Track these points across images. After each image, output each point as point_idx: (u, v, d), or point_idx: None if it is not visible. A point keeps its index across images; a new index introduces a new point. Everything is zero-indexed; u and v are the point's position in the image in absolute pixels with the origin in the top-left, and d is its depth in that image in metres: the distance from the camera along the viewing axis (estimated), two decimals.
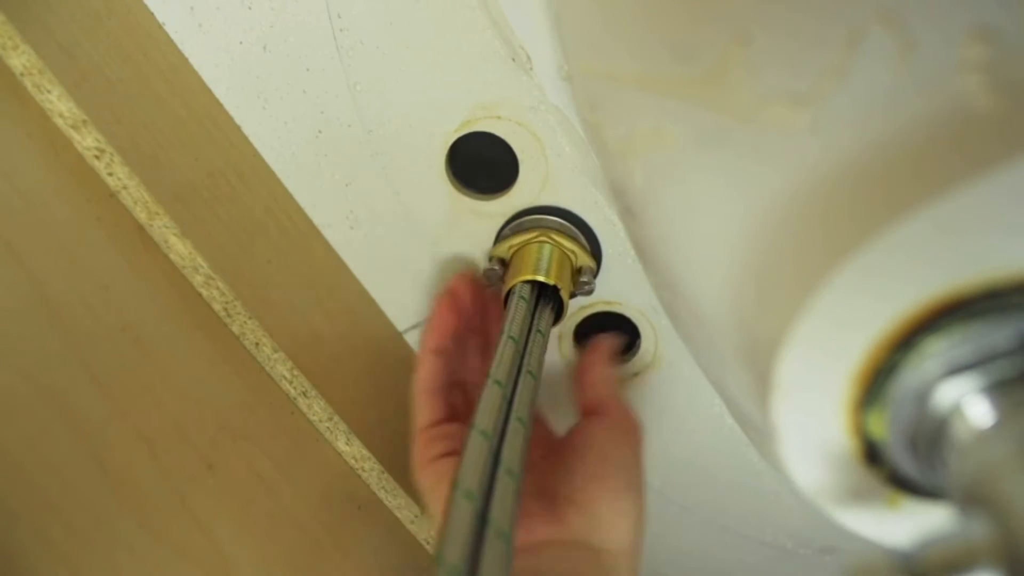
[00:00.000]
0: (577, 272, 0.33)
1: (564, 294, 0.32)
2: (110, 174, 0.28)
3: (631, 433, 0.30)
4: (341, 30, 0.30)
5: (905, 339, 0.15)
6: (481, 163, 0.34)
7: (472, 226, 0.35)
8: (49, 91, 0.27)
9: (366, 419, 0.34)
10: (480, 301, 0.34)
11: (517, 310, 0.30)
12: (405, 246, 0.36)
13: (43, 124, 0.27)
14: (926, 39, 0.14)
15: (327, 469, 0.33)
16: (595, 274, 0.34)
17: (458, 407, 0.32)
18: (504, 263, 0.34)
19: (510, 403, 0.26)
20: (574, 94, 0.29)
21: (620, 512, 0.27)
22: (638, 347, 0.36)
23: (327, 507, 0.32)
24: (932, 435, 0.16)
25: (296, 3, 0.30)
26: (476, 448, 0.23)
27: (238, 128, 0.33)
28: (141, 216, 0.29)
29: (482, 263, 0.36)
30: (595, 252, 0.34)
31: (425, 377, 0.31)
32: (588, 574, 0.26)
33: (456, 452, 0.29)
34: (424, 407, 0.31)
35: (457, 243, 0.36)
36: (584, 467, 0.28)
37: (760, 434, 0.19)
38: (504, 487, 0.22)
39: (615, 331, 0.36)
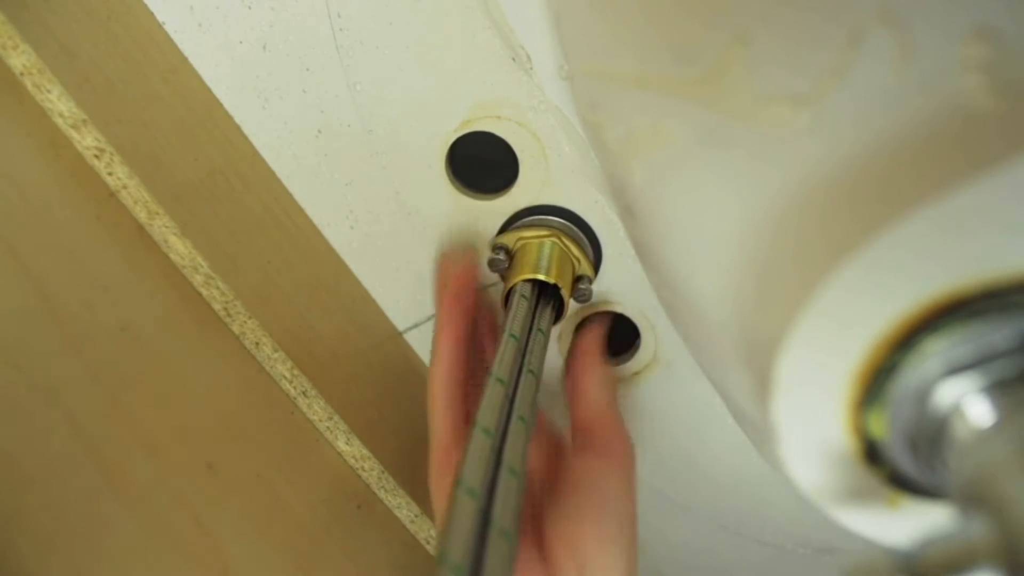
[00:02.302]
0: (577, 280, 0.33)
1: (564, 293, 0.32)
2: (110, 174, 0.28)
3: (622, 460, 0.29)
4: (341, 30, 0.30)
5: (905, 338, 0.15)
6: (481, 163, 0.34)
7: (472, 226, 0.35)
8: (49, 91, 0.26)
9: (366, 419, 0.34)
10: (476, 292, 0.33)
11: (518, 308, 0.30)
12: (405, 246, 0.36)
13: (43, 124, 0.27)
14: (926, 39, 0.14)
15: (327, 469, 0.33)
16: (592, 282, 0.34)
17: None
18: (509, 253, 0.33)
19: (512, 401, 0.26)
20: (574, 94, 0.29)
21: (610, 557, 0.26)
22: (638, 347, 0.36)
23: (327, 507, 0.31)
24: (932, 435, 0.16)
25: (296, 3, 0.30)
26: (478, 446, 0.23)
27: (238, 128, 0.33)
28: (141, 216, 0.29)
29: (483, 263, 0.36)
30: (595, 253, 0.34)
31: (440, 397, 0.29)
32: None
33: None
34: (441, 427, 0.29)
35: (457, 243, 0.36)
36: (576, 506, 0.27)
37: (760, 434, 0.19)
38: (506, 485, 0.22)
39: (615, 331, 0.36)
